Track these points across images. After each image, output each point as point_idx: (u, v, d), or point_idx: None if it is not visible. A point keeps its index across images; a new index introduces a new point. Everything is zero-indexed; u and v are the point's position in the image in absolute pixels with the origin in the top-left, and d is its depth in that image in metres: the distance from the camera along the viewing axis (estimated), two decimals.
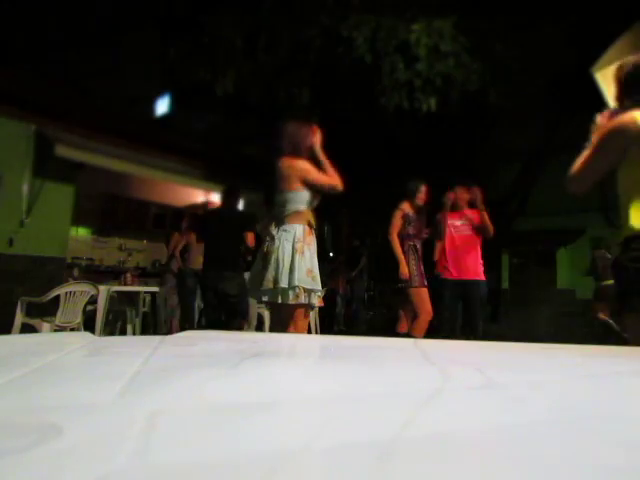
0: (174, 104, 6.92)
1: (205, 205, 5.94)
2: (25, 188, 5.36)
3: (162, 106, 6.98)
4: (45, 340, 0.93)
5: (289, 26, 5.48)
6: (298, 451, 0.28)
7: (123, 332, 5.08)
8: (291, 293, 2.17)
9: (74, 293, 3.84)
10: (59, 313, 3.75)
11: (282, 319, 2.27)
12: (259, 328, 5.70)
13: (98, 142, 5.70)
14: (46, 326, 3.69)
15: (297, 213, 2.27)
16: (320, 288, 2.29)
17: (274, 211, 2.36)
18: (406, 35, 5.16)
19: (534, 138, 7.86)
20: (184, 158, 6.89)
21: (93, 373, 0.53)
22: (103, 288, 4.28)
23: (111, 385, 0.43)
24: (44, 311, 3.88)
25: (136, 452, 0.27)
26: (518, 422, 0.34)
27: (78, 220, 6.66)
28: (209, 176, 6.98)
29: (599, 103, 4.72)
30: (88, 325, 4.12)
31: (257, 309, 5.68)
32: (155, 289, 5.19)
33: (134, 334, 4.97)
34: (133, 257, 8.09)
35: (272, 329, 2.41)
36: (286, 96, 5.91)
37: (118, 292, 4.83)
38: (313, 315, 5.85)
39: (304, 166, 2.28)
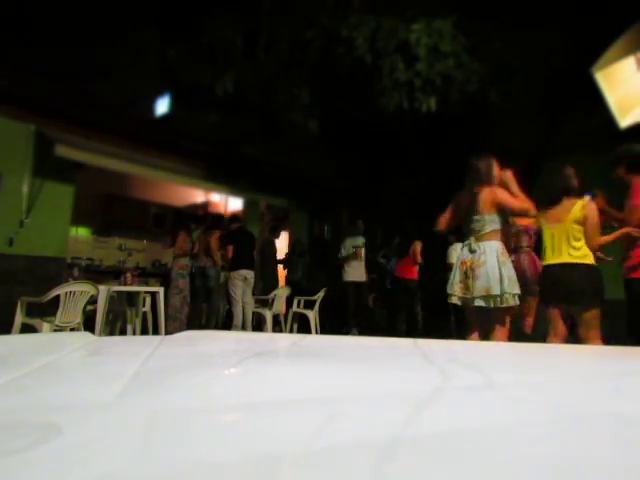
0: (174, 104, 6.90)
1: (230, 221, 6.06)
2: (25, 188, 5.36)
3: (162, 106, 6.97)
4: (45, 340, 0.93)
5: (289, 26, 5.47)
6: (298, 451, 0.28)
7: (123, 332, 5.06)
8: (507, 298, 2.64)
9: (74, 293, 3.83)
10: (59, 313, 3.73)
11: (495, 320, 2.72)
12: (258, 328, 5.70)
13: (98, 142, 5.70)
14: (46, 326, 3.68)
15: (494, 232, 2.73)
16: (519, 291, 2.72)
17: (470, 229, 2.79)
18: (406, 35, 5.15)
19: (534, 138, 7.85)
20: (184, 158, 6.88)
21: (93, 373, 0.53)
22: (103, 288, 4.26)
23: (111, 385, 0.43)
24: (44, 311, 3.87)
25: (136, 452, 0.27)
26: (518, 422, 0.34)
27: (78, 220, 6.65)
28: (209, 176, 6.98)
29: (599, 103, 4.74)
30: (88, 325, 4.11)
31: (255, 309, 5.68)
32: (155, 289, 5.18)
33: (134, 334, 4.97)
34: (133, 257, 8.07)
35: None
36: (286, 96, 5.90)
37: (118, 292, 4.82)
38: (313, 315, 5.85)
39: (501, 194, 2.76)
